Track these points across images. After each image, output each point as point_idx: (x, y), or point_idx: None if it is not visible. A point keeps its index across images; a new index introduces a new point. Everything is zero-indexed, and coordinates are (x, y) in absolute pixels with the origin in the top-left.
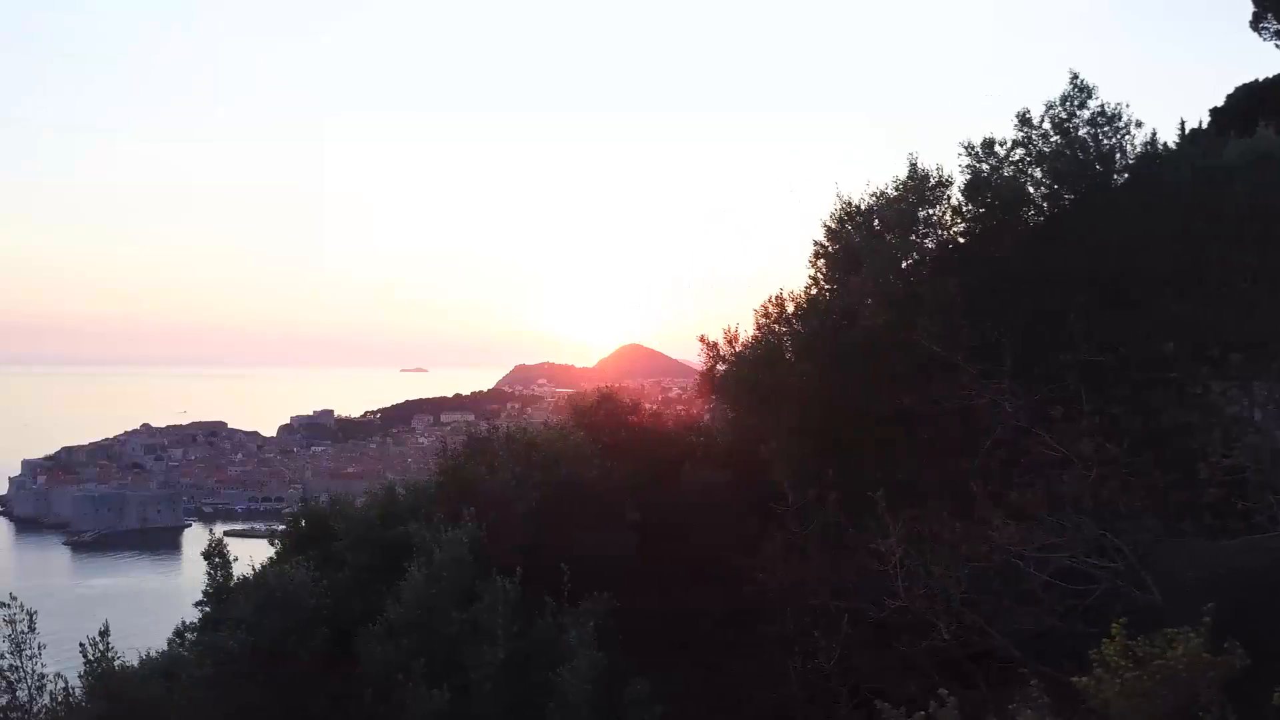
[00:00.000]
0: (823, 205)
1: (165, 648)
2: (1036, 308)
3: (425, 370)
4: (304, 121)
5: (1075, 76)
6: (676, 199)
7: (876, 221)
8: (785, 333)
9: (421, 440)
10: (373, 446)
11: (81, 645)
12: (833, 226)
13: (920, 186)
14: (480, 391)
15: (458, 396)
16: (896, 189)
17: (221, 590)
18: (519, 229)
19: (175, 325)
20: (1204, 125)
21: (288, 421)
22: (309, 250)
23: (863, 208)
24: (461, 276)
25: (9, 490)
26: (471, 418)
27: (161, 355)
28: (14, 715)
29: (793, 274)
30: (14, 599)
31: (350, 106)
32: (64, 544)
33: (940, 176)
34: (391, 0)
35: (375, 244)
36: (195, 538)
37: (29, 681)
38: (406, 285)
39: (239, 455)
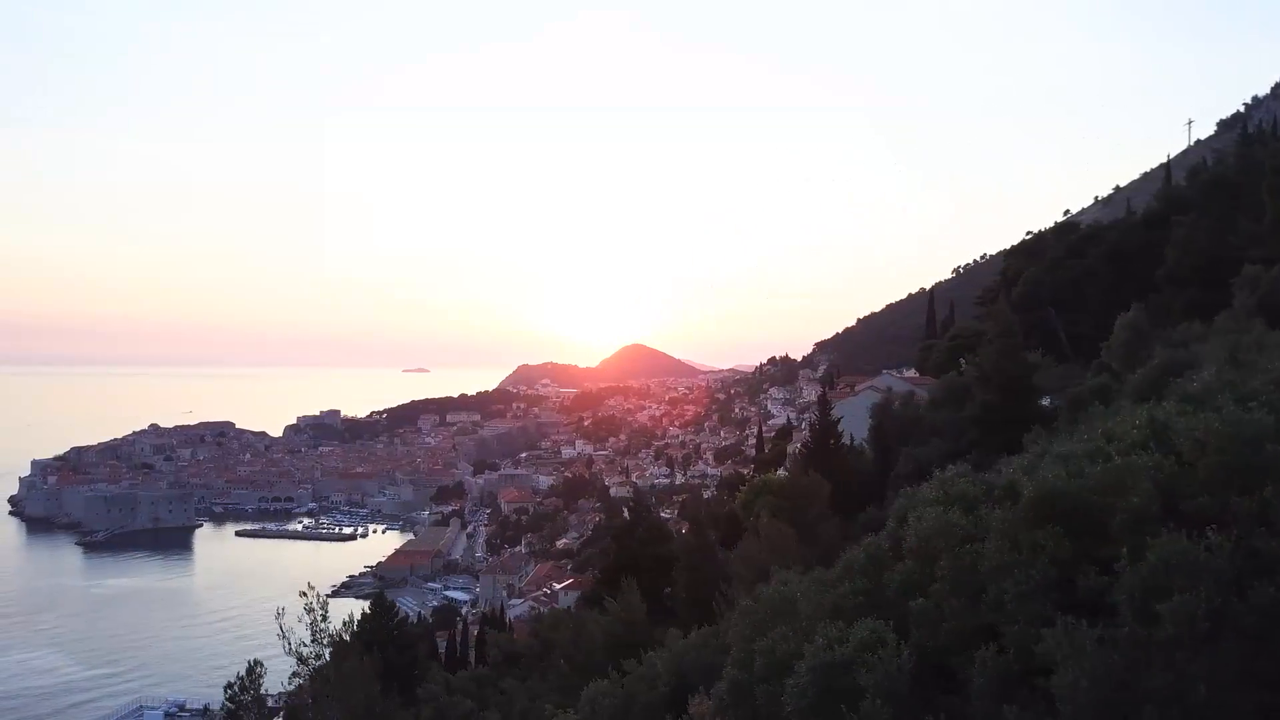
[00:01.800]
0: (831, 201)
1: None
2: None
3: (427, 370)
4: (304, 121)
5: None
6: (677, 199)
7: None
8: None
9: (428, 440)
10: (380, 446)
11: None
12: None
13: None
14: (485, 391)
15: (463, 396)
16: None
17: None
18: (519, 229)
19: (176, 325)
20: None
21: (294, 422)
22: (309, 250)
23: None
24: (461, 276)
25: (20, 490)
26: (477, 417)
27: (163, 355)
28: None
29: (794, 272)
30: (311, 587)
31: (350, 106)
32: (76, 544)
33: None
34: (391, 0)
35: (375, 244)
36: (206, 537)
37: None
38: (407, 285)
39: (247, 455)
